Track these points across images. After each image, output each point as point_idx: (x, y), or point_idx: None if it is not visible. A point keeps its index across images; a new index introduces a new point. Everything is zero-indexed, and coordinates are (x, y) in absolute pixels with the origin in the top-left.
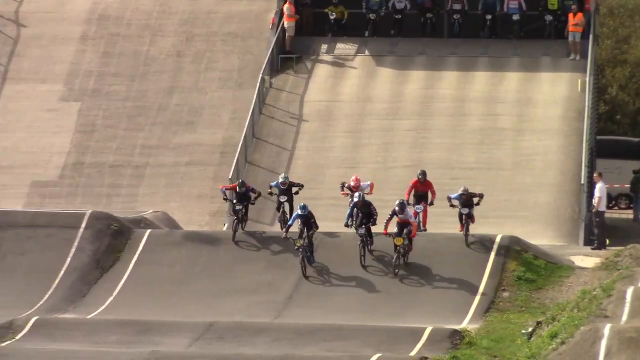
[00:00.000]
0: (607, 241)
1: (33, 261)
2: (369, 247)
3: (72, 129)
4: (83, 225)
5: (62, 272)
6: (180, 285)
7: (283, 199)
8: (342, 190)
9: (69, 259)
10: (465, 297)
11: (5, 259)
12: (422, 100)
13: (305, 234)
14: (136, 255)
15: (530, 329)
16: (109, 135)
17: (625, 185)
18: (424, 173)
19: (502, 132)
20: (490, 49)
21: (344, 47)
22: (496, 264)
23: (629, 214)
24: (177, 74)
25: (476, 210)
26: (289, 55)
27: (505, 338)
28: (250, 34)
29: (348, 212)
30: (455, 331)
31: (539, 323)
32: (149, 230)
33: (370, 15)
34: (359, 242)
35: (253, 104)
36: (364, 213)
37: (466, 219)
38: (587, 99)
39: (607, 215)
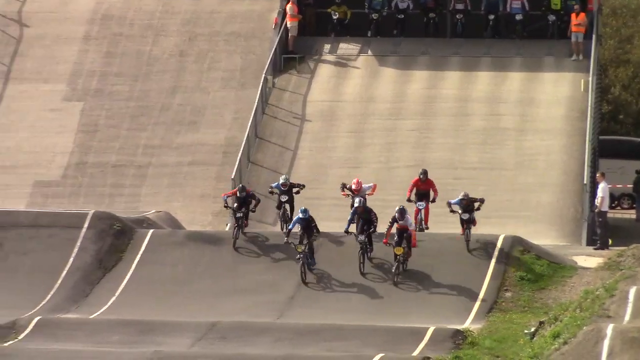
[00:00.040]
0: (610, 241)
1: (36, 261)
2: (369, 254)
3: (74, 128)
4: (86, 225)
5: (64, 272)
6: (182, 285)
7: (284, 198)
8: (343, 191)
9: (71, 259)
10: (467, 297)
11: (8, 259)
12: (424, 100)
13: (306, 240)
14: (139, 255)
15: (532, 329)
16: (112, 135)
17: (628, 186)
18: (425, 172)
19: (505, 132)
20: (493, 49)
21: (346, 47)
22: (499, 264)
23: (631, 214)
24: (180, 73)
25: (479, 210)
26: (292, 55)
27: (508, 338)
28: (253, 33)
29: (349, 218)
30: (457, 331)
31: (541, 323)
32: (151, 230)
33: (373, 15)
34: (358, 250)
35: (256, 104)
36: (364, 219)
37: (467, 224)
38: (590, 98)
39: (609, 215)
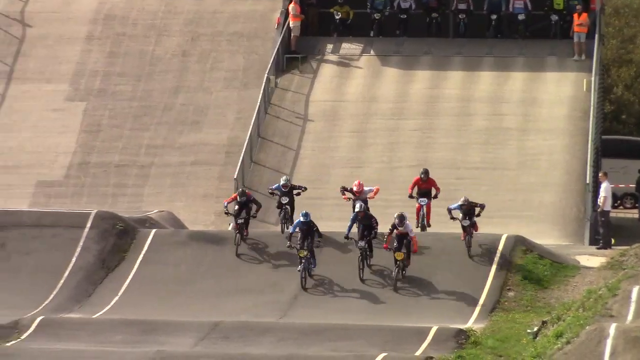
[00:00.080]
0: (613, 241)
1: (38, 261)
2: (369, 261)
3: (77, 128)
4: (88, 225)
5: (67, 272)
6: (185, 284)
7: (285, 200)
8: (344, 195)
9: (74, 259)
10: (470, 297)
11: (11, 259)
12: (427, 100)
13: (308, 244)
14: (141, 255)
15: (535, 329)
16: (115, 135)
17: (631, 185)
18: (426, 172)
19: (508, 131)
20: (495, 48)
21: (349, 47)
22: (501, 264)
23: (634, 214)
24: (183, 73)
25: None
26: (295, 55)
27: (511, 337)
28: (256, 33)
29: (349, 223)
30: (460, 331)
31: (544, 322)
32: (154, 230)
33: (376, 15)
34: (358, 256)
35: (258, 103)
36: (364, 225)
37: (469, 229)
38: (592, 98)
39: (612, 214)
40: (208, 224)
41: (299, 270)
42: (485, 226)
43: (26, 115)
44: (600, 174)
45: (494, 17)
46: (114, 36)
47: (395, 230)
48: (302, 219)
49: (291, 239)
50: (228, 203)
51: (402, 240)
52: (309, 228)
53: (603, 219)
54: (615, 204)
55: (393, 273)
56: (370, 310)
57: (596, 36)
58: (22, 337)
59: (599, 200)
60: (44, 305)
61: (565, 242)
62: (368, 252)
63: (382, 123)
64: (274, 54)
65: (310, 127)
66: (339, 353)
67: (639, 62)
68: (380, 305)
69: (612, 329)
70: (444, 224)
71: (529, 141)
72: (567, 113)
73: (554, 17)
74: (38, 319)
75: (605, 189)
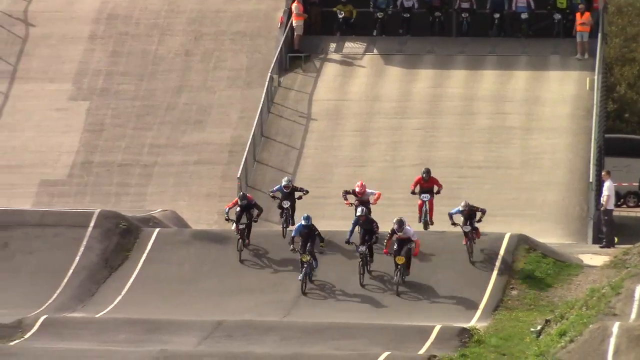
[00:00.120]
0: (616, 239)
1: (42, 260)
2: (369, 266)
3: (80, 128)
4: (92, 224)
5: (70, 271)
6: (189, 284)
7: (286, 204)
8: (346, 199)
9: (77, 258)
10: (473, 295)
11: (14, 258)
12: (430, 99)
13: (308, 248)
14: (145, 254)
15: (539, 327)
16: (118, 134)
17: (634, 184)
18: (427, 171)
19: (511, 130)
20: (498, 47)
21: (352, 46)
22: (505, 262)
23: (637, 212)
24: (186, 73)
25: (485, 209)
26: (298, 54)
27: (514, 336)
28: (259, 33)
29: (350, 228)
30: (464, 329)
31: (547, 321)
32: (157, 229)
33: (378, 14)
34: (359, 261)
35: (262, 102)
36: (365, 229)
37: (471, 234)
38: (595, 97)
39: (615, 213)
40: (211, 223)
41: (300, 279)
42: (488, 225)
43: (29, 115)
44: (603, 173)
45: (496, 15)
46: (116, 35)
47: (395, 235)
48: (303, 222)
49: (293, 242)
50: (229, 209)
51: (403, 244)
52: (310, 232)
53: (606, 217)
54: (619, 203)
55: (394, 278)
56: (373, 309)
57: (599, 35)
58: (26, 337)
59: (602, 198)
60: (47, 304)
61: (568, 241)
62: (368, 257)
63: (385, 122)
64: (277, 53)
65: (314, 126)
66: (342, 352)
67: None
68: (383, 304)
69: (616, 327)
70: (447, 222)
71: (532, 140)
72: (570, 112)
73: (557, 16)
74: (41, 318)
75: (608, 187)
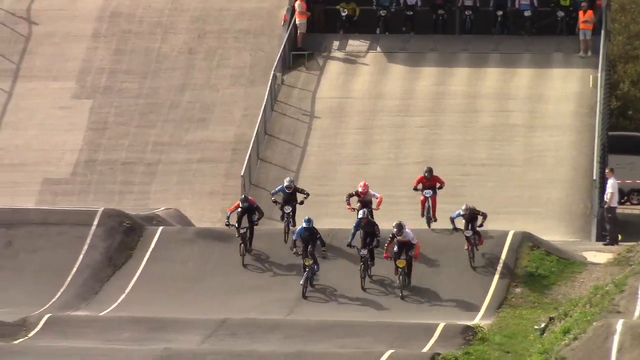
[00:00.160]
0: (619, 237)
1: (45, 259)
2: (370, 270)
3: (84, 126)
4: (95, 222)
5: (74, 270)
6: (192, 282)
7: (288, 209)
8: (348, 204)
9: (81, 257)
10: (477, 293)
11: (18, 257)
12: (433, 96)
13: (310, 251)
14: (148, 253)
15: (542, 325)
16: (121, 132)
17: (638, 181)
18: (430, 170)
19: (514, 128)
20: (501, 45)
21: (355, 44)
22: (508, 260)
23: None
24: (189, 71)
25: (488, 207)
26: (301, 52)
27: (518, 334)
28: (262, 31)
29: (352, 231)
30: (467, 327)
31: (551, 319)
32: (161, 228)
33: (382, 11)
34: (361, 264)
35: (265, 100)
36: (367, 232)
37: (473, 239)
38: (599, 94)
39: (619, 210)
40: (215, 221)
41: (301, 283)
42: (492, 223)
43: (32, 113)
44: (606, 170)
45: (500, 13)
46: (120, 34)
47: (395, 239)
48: (304, 224)
49: (295, 246)
50: (231, 212)
51: (403, 247)
52: (311, 234)
53: (610, 215)
54: (622, 200)
55: (396, 282)
56: (376, 308)
57: (602, 32)
58: (30, 335)
59: (605, 196)
60: (51, 303)
61: (572, 239)
62: (370, 261)
63: (389, 120)
64: (280, 51)
65: (317, 124)
66: (346, 350)
67: None
68: (387, 303)
69: (619, 325)
70: (449, 220)
71: (536, 137)
72: (573, 109)
73: (560, 14)
74: (45, 317)
75: (611, 185)
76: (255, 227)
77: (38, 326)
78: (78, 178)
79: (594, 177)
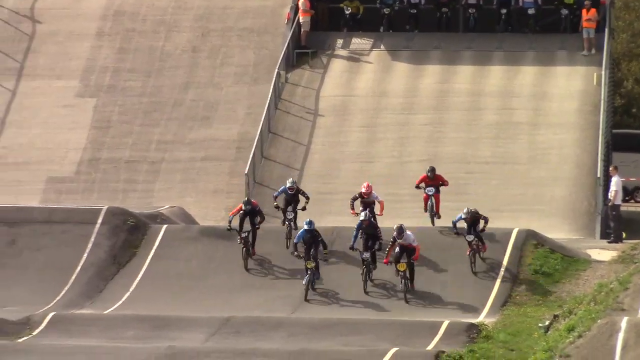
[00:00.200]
0: (624, 234)
1: (49, 257)
2: (371, 273)
3: (87, 125)
4: (99, 221)
5: (78, 268)
6: (196, 280)
7: (290, 215)
8: (352, 209)
9: (85, 255)
10: (481, 291)
11: (22, 255)
12: (437, 94)
13: (312, 254)
14: (153, 251)
15: (547, 323)
16: (125, 131)
17: None
18: (432, 170)
19: (518, 126)
20: (505, 43)
21: (359, 42)
22: (513, 258)
23: None
24: (193, 69)
25: (492, 205)
26: (305, 50)
27: (523, 332)
28: (266, 29)
29: (354, 233)
30: (472, 325)
31: (556, 316)
32: (165, 226)
33: (385, 10)
34: (363, 267)
35: (269, 99)
36: (368, 235)
37: (476, 245)
38: (603, 92)
39: (623, 208)
40: (219, 219)
41: (304, 283)
42: (496, 220)
43: (36, 112)
44: (610, 168)
45: (504, 11)
46: (123, 32)
47: (396, 242)
48: (305, 227)
49: (297, 249)
50: (233, 216)
51: (404, 251)
52: (312, 237)
53: (614, 212)
54: (626, 198)
55: (399, 286)
56: (380, 306)
57: (606, 30)
58: (34, 333)
59: (609, 194)
60: (55, 301)
61: (576, 236)
62: (371, 264)
63: (392, 118)
64: (284, 49)
65: (321, 122)
66: (350, 348)
67: None
68: (390, 303)
69: (624, 322)
70: (454, 218)
71: (540, 135)
72: (577, 107)
73: (564, 12)
74: (49, 315)
75: (616, 182)
76: (257, 230)
77: (42, 324)
78: (82, 176)
79: (598, 175)
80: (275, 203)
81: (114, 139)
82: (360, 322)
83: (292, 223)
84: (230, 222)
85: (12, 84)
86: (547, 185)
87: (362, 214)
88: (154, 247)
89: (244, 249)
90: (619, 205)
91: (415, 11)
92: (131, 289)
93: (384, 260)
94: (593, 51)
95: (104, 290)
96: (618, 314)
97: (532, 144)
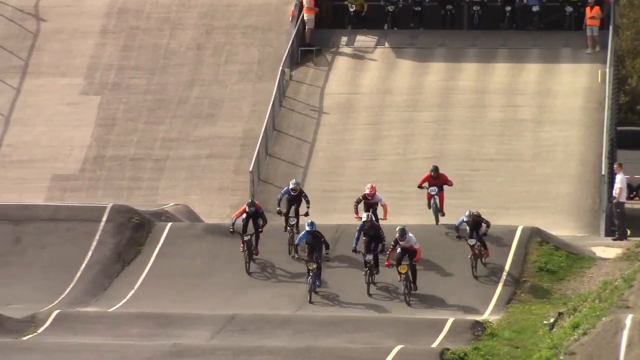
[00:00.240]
0: (628, 232)
1: (54, 255)
2: (373, 277)
3: (92, 122)
4: (104, 218)
5: (83, 266)
6: (201, 278)
7: (293, 221)
8: (356, 213)
9: (90, 253)
10: (486, 289)
11: (27, 253)
12: (442, 92)
13: (315, 255)
14: (157, 248)
15: (552, 320)
16: (130, 128)
17: None
18: (436, 169)
19: (523, 123)
20: (510, 40)
21: (363, 40)
22: (517, 255)
23: None
24: (197, 66)
25: (497, 202)
26: (309, 47)
27: (527, 329)
28: (270, 26)
29: (356, 235)
30: (476, 322)
31: (560, 314)
32: (170, 223)
33: (390, 7)
34: (366, 269)
35: (273, 96)
36: (371, 236)
37: (478, 249)
38: (607, 89)
39: (627, 205)
40: (224, 217)
41: (307, 282)
42: (500, 218)
43: (41, 110)
44: (615, 165)
45: (508, 8)
46: (128, 30)
47: (398, 245)
48: (307, 228)
49: (297, 251)
50: (236, 218)
51: (405, 253)
52: (315, 238)
53: (618, 210)
54: (631, 195)
55: (402, 288)
56: (385, 304)
57: (610, 27)
58: (39, 331)
59: (614, 191)
60: (60, 299)
61: (580, 234)
62: (374, 268)
63: (397, 115)
64: (288, 47)
65: (325, 119)
66: (355, 345)
67: None
68: (393, 305)
69: (629, 320)
70: (458, 215)
71: (544, 132)
72: (582, 104)
73: (569, 9)
74: (54, 313)
75: (620, 180)
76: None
77: (47, 322)
78: (87, 174)
79: (603, 172)
80: (278, 208)
81: (119, 137)
82: (366, 320)
83: (294, 229)
84: (233, 224)
85: (16, 82)
86: (552, 182)
87: (364, 215)
88: (159, 245)
89: (246, 252)
90: (623, 203)
91: (420, 8)
92: (136, 287)
93: (386, 263)
94: (597, 48)
95: (109, 288)
96: (623, 311)
97: (536, 141)
